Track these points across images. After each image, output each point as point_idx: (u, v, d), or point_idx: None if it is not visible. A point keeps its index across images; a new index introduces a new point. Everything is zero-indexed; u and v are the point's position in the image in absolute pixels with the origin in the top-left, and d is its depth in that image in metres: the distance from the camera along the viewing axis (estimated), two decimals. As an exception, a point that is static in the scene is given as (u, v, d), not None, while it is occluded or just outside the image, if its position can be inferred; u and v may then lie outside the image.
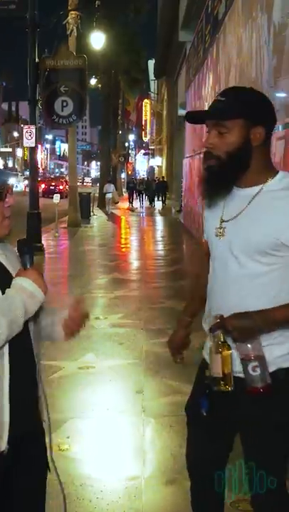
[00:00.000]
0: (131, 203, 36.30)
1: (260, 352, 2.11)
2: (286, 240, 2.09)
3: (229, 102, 2.14)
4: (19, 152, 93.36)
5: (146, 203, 38.12)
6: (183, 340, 2.67)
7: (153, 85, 64.81)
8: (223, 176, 2.17)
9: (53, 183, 48.27)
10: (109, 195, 31.54)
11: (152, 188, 37.43)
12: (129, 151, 78.72)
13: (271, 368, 2.17)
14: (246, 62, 9.37)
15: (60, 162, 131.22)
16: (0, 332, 1.97)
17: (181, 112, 28.64)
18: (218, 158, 2.15)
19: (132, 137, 79.43)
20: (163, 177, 43.24)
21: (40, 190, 26.17)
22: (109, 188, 32.02)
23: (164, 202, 36.83)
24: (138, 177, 66.58)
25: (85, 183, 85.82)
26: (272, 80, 7.32)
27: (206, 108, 2.29)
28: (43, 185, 43.65)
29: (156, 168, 60.51)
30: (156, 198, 36.89)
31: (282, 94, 6.75)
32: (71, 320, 2.32)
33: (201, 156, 2.23)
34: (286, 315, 2.12)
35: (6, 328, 1.99)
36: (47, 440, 2.27)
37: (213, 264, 2.32)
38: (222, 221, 2.23)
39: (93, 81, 36.53)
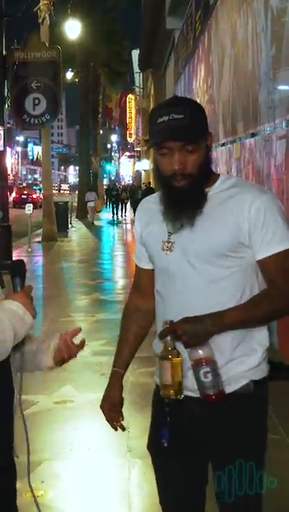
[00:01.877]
0: (115, 214, 36.33)
1: (211, 357, 2.28)
2: (243, 238, 2.32)
3: (192, 121, 2.31)
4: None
5: (130, 213, 38.13)
6: (121, 400, 2.68)
7: (138, 79, 65.10)
8: (199, 191, 2.37)
9: (26, 192, 48.30)
10: (91, 204, 31.84)
11: (138, 196, 37.40)
12: (112, 154, 78.95)
13: (242, 381, 2.37)
14: (242, 52, 9.46)
15: (33, 167, 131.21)
16: None
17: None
18: (191, 177, 2.34)
19: (114, 138, 79.73)
20: (149, 183, 43.29)
21: (11, 200, 26.18)
22: (91, 196, 32.33)
23: None
24: (122, 183, 66.78)
25: (62, 191, 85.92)
26: (271, 71, 7.40)
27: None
28: (13, 194, 43.63)
29: (143, 173, 60.70)
30: None
31: (282, 87, 6.82)
32: (65, 346, 2.46)
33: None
34: (237, 317, 2.31)
35: None
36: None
37: (163, 282, 2.47)
38: (169, 234, 2.41)
39: (69, 75, 36.74)
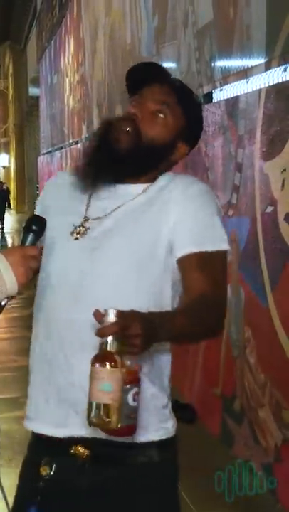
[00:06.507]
0: None
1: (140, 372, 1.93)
2: (171, 235, 2.14)
3: (182, 84, 2.27)
4: None
5: None
6: None
7: (-8, 54, 64.76)
8: (124, 161, 2.20)
9: None
10: None
11: None
12: None
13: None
14: (118, 22, 9.55)
15: None
16: None
17: (34, 91, 28.71)
18: (135, 135, 2.19)
19: None
20: (2, 182, 42.63)
21: None
22: None
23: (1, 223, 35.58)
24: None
25: None
26: (155, 45, 7.50)
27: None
28: None
29: (2, 170, 60.25)
30: None
31: (168, 65, 6.91)
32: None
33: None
34: (183, 325, 1.99)
35: None
36: None
37: (54, 272, 2.23)
38: (86, 219, 2.25)
39: None
